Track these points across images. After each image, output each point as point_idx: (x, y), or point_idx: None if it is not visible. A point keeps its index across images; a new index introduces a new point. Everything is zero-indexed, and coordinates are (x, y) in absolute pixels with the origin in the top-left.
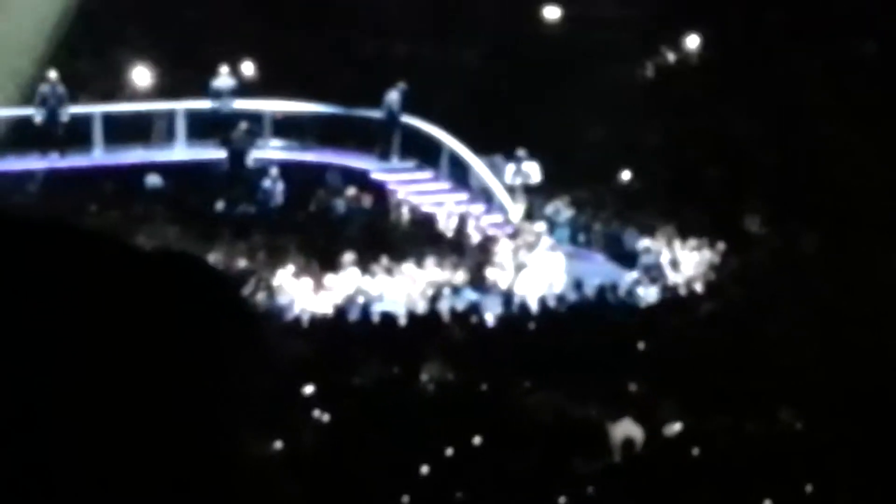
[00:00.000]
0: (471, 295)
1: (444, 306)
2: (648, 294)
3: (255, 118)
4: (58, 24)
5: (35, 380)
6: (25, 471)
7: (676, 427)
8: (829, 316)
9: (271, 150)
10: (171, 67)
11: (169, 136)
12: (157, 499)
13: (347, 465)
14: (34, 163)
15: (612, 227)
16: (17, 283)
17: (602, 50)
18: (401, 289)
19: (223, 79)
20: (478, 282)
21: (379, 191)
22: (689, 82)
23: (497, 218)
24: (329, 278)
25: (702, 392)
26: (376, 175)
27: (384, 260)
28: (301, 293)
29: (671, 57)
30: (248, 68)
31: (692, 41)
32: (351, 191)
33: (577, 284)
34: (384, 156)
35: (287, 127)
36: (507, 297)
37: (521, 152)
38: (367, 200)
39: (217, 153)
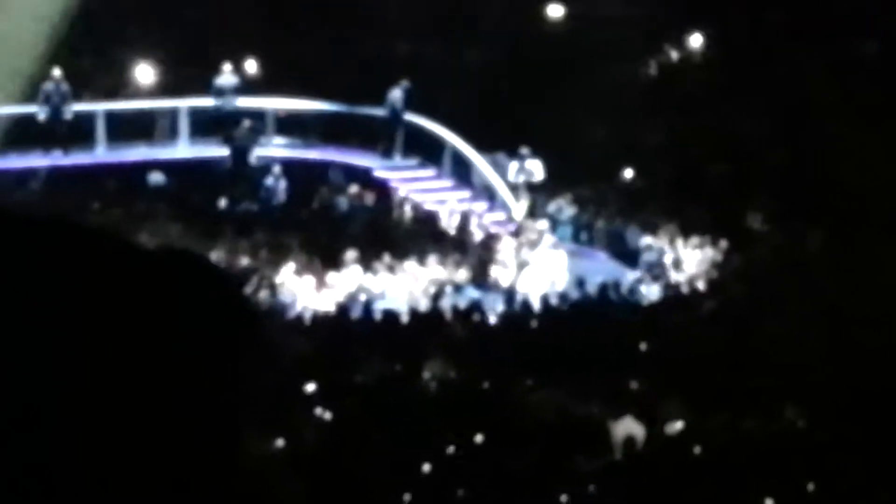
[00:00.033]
0: (473, 293)
1: (446, 304)
2: (651, 292)
3: (257, 116)
4: (59, 22)
5: (37, 378)
6: (26, 470)
7: (678, 425)
8: (832, 314)
9: (274, 148)
10: (174, 65)
11: (172, 134)
12: (158, 498)
13: (349, 464)
14: (37, 160)
15: (615, 224)
16: (19, 281)
17: (605, 48)
18: (403, 287)
19: (226, 76)
20: (480, 280)
21: (381, 189)
22: (692, 81)
23: (500, 216)
24: (331, 276)
25: (703, 390)
26: (379, 173)
27: (386, 258)
28: (303, 291)
29: (674, 55)
30: (251, 66)
31: (695, 40)
32: (353, 189)
33: (580, 282)
34: (387, 154)
35: (290, 125)
36: (510, 295)
37: (524, 150)
38: (369, 198)
39: (220, 151)
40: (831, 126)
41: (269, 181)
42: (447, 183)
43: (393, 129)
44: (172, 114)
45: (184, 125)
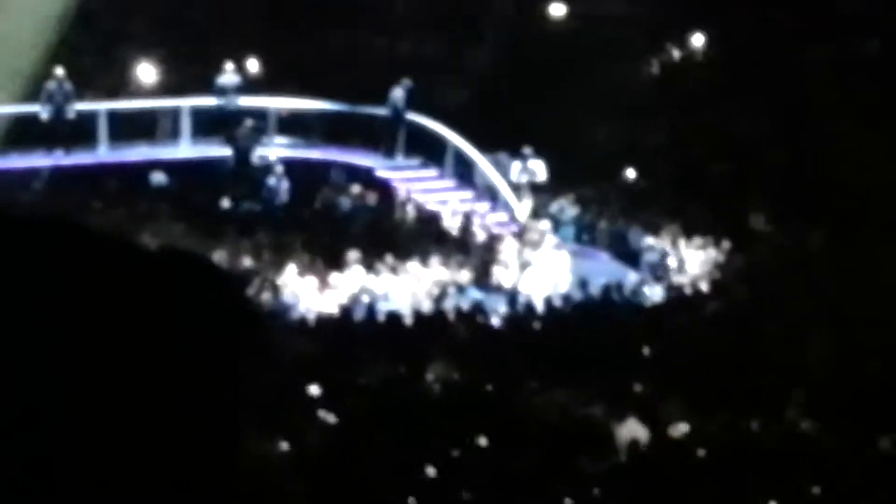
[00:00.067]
0: (476, 294)
1: (449, 305)
2: (654, 293)
3: (260, 115)
4: (59, 22)
5: (39, 377)
6: (28, 469)
7: (682, 427)
8: (835, 315)
9: (276, 148)
10: (176, 64)
11: (174, 134)
12: (160, 499)
13: (352, 466)
14: (39, 160)
15: (617, 225)
16: (21, 281)
17: (607, 48)
18: (406, 288)
19: (228, 76)
20: (483, 280)
21: (384, 188)
22: (694, 80)
23: (502, 216)
24: (334, 277)
25: (707, 392)
26: (381, 172)
27: (389, 258)
28: (306, 292)
29: (676, 55)
30: (253, 65)
31: (697, 39)
32: (356, 188)
33: (582, 283)
34: (389, 153)
35: (292, 124)
36: (513, 296)
37: (526, 150)
38: (371, 198)
39: (222, 150)
40: (833, 126)
41: (272, 181)
42: (449, 183)
43: (395, 128)
44: (174, 113)
45: (186, 125)
